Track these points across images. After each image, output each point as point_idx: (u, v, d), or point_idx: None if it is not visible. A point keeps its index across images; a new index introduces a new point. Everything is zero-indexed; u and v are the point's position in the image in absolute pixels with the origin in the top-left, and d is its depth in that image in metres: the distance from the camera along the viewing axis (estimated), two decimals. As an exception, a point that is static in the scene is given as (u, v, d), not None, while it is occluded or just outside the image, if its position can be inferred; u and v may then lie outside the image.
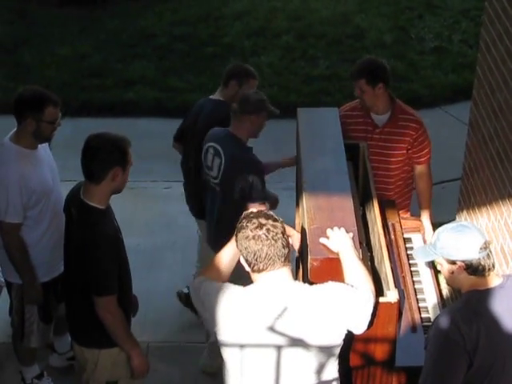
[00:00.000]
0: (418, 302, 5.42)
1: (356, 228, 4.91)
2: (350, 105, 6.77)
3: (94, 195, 5.15)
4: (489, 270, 4.39)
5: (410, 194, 6.81)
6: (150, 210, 6.82)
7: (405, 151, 6.53)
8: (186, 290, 7.04)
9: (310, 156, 5.69)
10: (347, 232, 4.71)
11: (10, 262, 5.95)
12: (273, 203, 6.49)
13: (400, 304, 4.83)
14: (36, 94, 5.96)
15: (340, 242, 4.64)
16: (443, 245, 4.42)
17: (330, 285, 4.45)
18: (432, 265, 5.83)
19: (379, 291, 4.70)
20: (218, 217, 6.41)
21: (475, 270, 4.38)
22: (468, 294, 4.48)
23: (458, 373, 4.35)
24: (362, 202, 5.79)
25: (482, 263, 4.36)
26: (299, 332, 4.35)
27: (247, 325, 4.38)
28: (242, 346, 4.40)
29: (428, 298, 5.54)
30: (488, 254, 4.37)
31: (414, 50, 12.26)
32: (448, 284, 5.09)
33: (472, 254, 4.34)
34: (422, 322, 5.37)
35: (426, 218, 6.60)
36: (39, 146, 6.02)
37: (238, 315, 4.40)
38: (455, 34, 12.63)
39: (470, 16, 12.70)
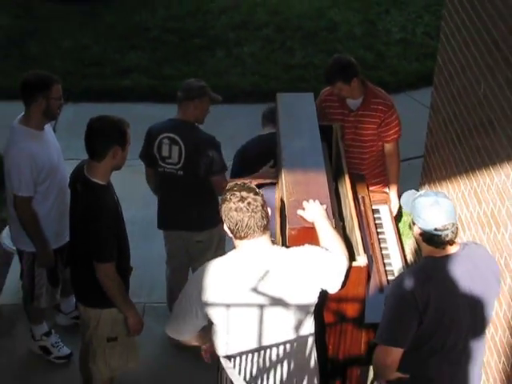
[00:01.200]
0: (384, 266, 5.45)
1: (329, 200, 4.92)
2: (328, 90, 6.75)
3: (96, 172, 5.17)
4: (443, 243, 4.41)
5: (384, 171, 6.81)
6: (145, 186, 6.80)
7: (375, 131, 6.55)
8: None
9: (288, 136, 5.69)
10: (321, 204, 4.74)
11: (24, 231, 5.96)
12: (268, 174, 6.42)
13: (369, 268, 4.88)
14: (41, 75, 6.02)
15: (315, 212, 4.67)
16: (415, 208, 4.46)
17: (307, 248, 4.48)
18: (398, 232, 5.89)
19: (350, 257, 4.73)
20: (184, 200, 6.40)
21: (429, 240, 4.43)
22: (425, 259, 4.54)
23: (409, 330, 4.41)
24: (334, 178, 5.81)
25: (436, 239, 4.39)
26: (279, 292, 4.37)
27: (232, 287, 4.39)
28: (227, 306, 4.40)
29: (393, 262, 5.57)
30: (447, 234, 4.36)
31: (381, 42, 12.22)
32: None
33: (428, 227, 4.37)
34: (388, 283, 5.40)
35: (392, 191, 6.63)
36: (45, 128, 6.02)
37: (223, 278, 4.42)
38: (418, 27, 12.59)
39: (431, 11, 12.68)
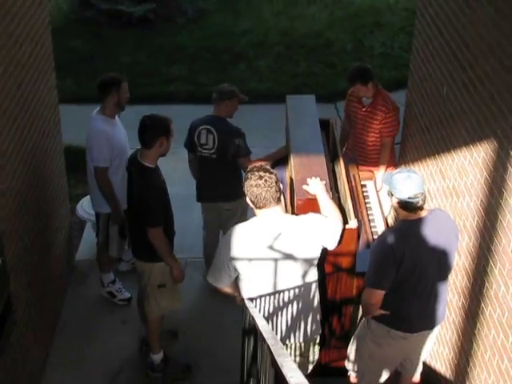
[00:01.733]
0: (370, 228, 5.41)
1: (327, 177, 4.98)
2: (352, 89, 6.75)
3: (147, 157, 5.19)
4: (415, 209, 4.44)
5: (378, 157, 6.70)
6: (185, 168, 6.80)
7: (378, 126, 6.55)
8: None
9: (295, 128, 5.71)
10: (321, 180, 4.75)
11: (102, 195, 6.04)
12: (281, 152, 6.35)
13: (358, 229, 4.93)
14: (113, 75, 6.16)
15: (316, 187, 4.71)
16: (392, 182, 4.46)
17: (311, 215, 4.52)
18: (379, 201, 5.86)
19: (344, 221, 4.74)
20: (217, 177, 6.40)
21: (404, 207, 4.45)
22: (401, 222, 4.56)
23: (390, 275, 4.44)
24: (332, 160, 5.79)
25: (408, 206, 4.42)
26: (290, 248, 4.41)
27: (252, 245, 4.43)
28: (249, 260, 4.44)
29: (377, 225, 5.53)
30: (418, 201, 4.39)
31: (367, 55, 12.15)
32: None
33: (403, 196, 4.39)
34: (373, 241, 5.38)
35: (379, 171, 6.56)
36: (116, 118, 6.14)
37: (246, 238, 4.44)
38: (395, 43, 12.52)
39: (405, 31, 12.57)
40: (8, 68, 4.96)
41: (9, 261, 4.85)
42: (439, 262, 4.54)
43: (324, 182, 4.79)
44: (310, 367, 4.94)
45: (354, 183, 5.94)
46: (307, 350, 4.83)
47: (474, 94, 4.84)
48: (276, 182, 4.33)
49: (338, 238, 4.57)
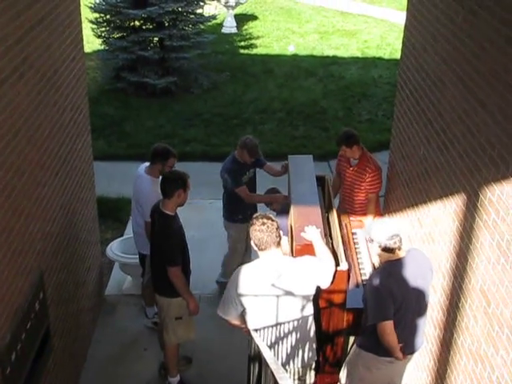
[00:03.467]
0: (359, 270, 5.43)
1: (322, 225, 4.97)
2: (341, 151, 6.73)
3: (167, 206, 5.22)
4: (394, 250, 4.49)
5: (365, 209, 6.61)
6: (200, 216, 6.87)
7: (363, 184, 6.49)
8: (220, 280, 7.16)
9: (296, 184, 5.76)
10: (317, 228, 4.77)
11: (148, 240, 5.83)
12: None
13: (349, 271, 4.92)
14: (164, 149, 6.07)
15: (313, 234, 4.71)
16: (371, 231, 4.54)
17: (307, 257, 4.53)
18: (367, 247, 5.86)
19: (336, 263, 4.73)
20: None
21: (384, 249, 4.50)
22: (385, 263, 4.58)
23: (390, 305, 4.45)
24: (326, 211, 5.82)
25: (388, 248, 4.48)
26: (288, 286, 4.40)
27: (256, 283, 4.42)
28: (254, 297, 4.44)
29: (365, 267, 5.55)
30: (395, 242, 4.46)
31: (355, 121, 12.24)
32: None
33: (382, 240, 4.46)
34: (362, 281, 5.38)
35: (367, 220, 6.55)
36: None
37: (250, 277, 4.45)
38: (379, 111, 12.63)
39: (388, 100, 12.72)
40: (52, 131, 5.06)
41: (48, 295, 4.87)
42: (418, 296, 4.57)
43: (319, 229, 4.81)
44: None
45: (345, 231, 5.97)
46: (304, 374, 4.80)
47: (447, 154, 4.91)
48: (277, 229, 4.36)
49: (330, 278, 4.56)
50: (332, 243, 5.31)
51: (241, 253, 6.94)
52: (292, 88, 13.73)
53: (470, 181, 4.38)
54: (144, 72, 13.13)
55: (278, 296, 4.41)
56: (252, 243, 4.43)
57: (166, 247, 5.18)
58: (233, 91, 13.61)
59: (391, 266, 4.52)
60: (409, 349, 4.72)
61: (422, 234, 5.49)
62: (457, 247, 4.60)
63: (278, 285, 4.38)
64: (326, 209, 5.83)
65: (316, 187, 5.74)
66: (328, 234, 5.31)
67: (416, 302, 4.56)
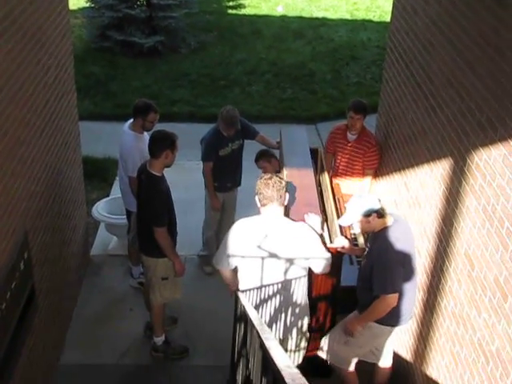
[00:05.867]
0: (353, 245, 5.41)
1: (317, 201, 4.89)
2: (337, 126, 6.66)
3: (154, 167, 5.16)
4: (386, 213, 4.44)
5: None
6: (187, 177, 6.81)
7: (361, 159, 6.40)
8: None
9: (289, 156, 5.69)
10: (318, 217, 4.69)
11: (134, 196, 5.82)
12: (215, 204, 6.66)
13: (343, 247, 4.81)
14: (144, 104, 6.05)
15: (314, 223, 4.61)
16: (363, 206, 4.37)
17: (308, 230, 4.39)
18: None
19: (331, 238, 4.68)
20: None
21: (381, 215, 4.40)
22: (383, 230, 4.44)
23: (400, 276, 4.40)
24: (319, 184, 5.77)
25: (382, 211, 4.41)
26: (274, 249, 4.31)
27: (244, 243, 4.35)
28: (242, 257, 4.38)
29: (359, 241, 5.54)
30: (383, 205, 4.42)
31: (343, 83, 12.19)
32: (363, 232, 5.09)
33: (375, 206, 4.38)
34: (356, 257, 5.36)
35: (360, 190, 6.52)
36: (144, 133, 6.06)
37: (239, 237, 4.38)
38: (368, 74, 12.57)
39: (376, 63, 12.66)
40: (36, 89, 4.96)
41: (33, 255, 4.84)
42: (414, 259, 4.53)
43: (319, 218, 4.70)
44: (302, 354, 4.81)
45: (339, 205, 5.91)
46: (298, 342, 4.71)
47: (435, 118, 4.88)
48: (283, 188, 4.23)
49: (325, 267, 4.44)
50: (326, 218, 5.28)
51: (215, 220, 6.87)
52: (280, 49, 13.61)
53: (457, 145, 4.37)
54: (131, 31, 12.95)
55: (262, 258, 4.33)
56: (256, 199, 4.30)
57: (153, 208, 5.14)
58: (220, 52, 13.46)
59: (391, 231, 4.41)
60: (410, 315, 4.69)
61: (408, 198, 5.49)
62: (443, 211, 4.60)
63: (263, 246, 4.31)
64: (319, 183, 5.78)
65: (310, 159, 5.69)
66: (322, 210, 5.27)
67: (414, 266, 4.53)
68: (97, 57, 12.95)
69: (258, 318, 3.74)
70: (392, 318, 4.56)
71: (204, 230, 7.00)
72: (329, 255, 4.45)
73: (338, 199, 6.12)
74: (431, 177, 4.88)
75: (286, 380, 2.00)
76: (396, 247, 4.35)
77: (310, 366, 4.97)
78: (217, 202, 6.65)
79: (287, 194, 4.31)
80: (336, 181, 6.53)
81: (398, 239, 4.38)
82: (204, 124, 7.03)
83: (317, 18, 15.69)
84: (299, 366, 4.74)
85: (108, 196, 8.11)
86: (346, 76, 12.55)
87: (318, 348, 5.09)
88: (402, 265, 4.37)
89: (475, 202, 4.01)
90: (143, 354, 5.91)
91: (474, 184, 4.04)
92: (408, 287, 4.48)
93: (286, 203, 4.36)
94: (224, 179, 6.63)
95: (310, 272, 4.74)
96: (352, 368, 4.98)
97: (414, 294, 4.63)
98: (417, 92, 5.37)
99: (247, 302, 4.34)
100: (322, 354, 5.03)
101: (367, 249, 4.61)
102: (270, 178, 4.23)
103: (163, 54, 13.09)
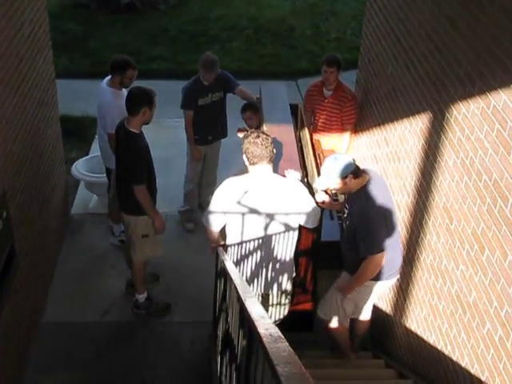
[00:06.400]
0: (333, 201, 5.41)
1: (297, 156, 4.87)
2: (313, 83, 6.64)
3: (132, 124, 5.10)
4: (362, 171, 4.37)
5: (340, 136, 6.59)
6: (167, 135, 6.76)
7: (339, 114, 6.38)
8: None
9: (269, 112, 5.65)
10: (298, 172, 4.68)
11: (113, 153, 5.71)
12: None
13: (323, 202, 4.79)
14: (122, 60, 5.98)
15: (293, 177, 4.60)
16: (336, 170, 4.27)
17: (299, 186, 4.37)
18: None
19: (312, 194, 4.65)
20: None
21: (356, 174, 4.31)
22: (361, 189, 4.36)
23: (384, 234, 4.33)
24: (299, 140, 5.74)
25: (358, 170, 4.32)
26: (254, 204, 4.29)
27: (242, 197, 4.28)
28: (224, 213, 4.35)
29: (339, 197, 5.53)
30: (358, 166, 4.35)
31: (324, 39, 12.10)
32: (340, 193, 5.05)
33: (350, 168, 4.27)
34: (336, 212, 5.35)
35: (339, 149, 6.53)
36: (123, 90, 5.94)
37: (236, 191, 4.30)
38: (348, 30, 12.46)
39: (357, 19, 12.49)
40: (9, 46, 4.85)
41: (12, 214, 4.80)
42: (395, 213, 4.51)
43: (299, 173, 4.68)
44: (285, 308, 4.79)
45: (319, 161, 5.87)
46: (282, 294, 4.69)
47: (414, 73, 4.85)
48: (271, 144, 4.17)
49: (316, 221, 4.44)
50: (306, 174, 5.25)
51: (196, 173, 6.83)
52: (260, 5, 13.43)
53: (436, 100, 4.35)
54: (107, -14, 12.69)
55: (244, 213, 4.29)
56: (244, 157, 4.23)
57: (132, 165, 5.10)
58: (199, 8, 13.26)
59: (369, 190, 4.33)
60: (397, 269, 4.67)
61: (388, 153, 5.50)
62: (422, 165, 4.61)
63: (250, 202, 4.26)
64: (299, 137, 5.75)
65: (290, 115, 5.65)
66: (302, 166, 5.24)
67: (395, 221, 4.50)
68: (73, 13, 12.70)
69: (237, 273, 3.75)
70: (380, 274, 4.51)
71: (185, 183, 6.95)
72: (319, 209, 4.42)
73: (319, 155, 6.10)
74: (410, 131, 4.88)
75: (260, 330, 2.01)
76: (376, 206, 4.30)
77: (292, 320, 5.02)
78: (197, 152, 6.62)
79: (275, 150, 4.26)
80: (316, 137, 6.51)
81: (377, 197, 4.32)
82: (184, 81, 6.90)
83: (298, -27, 15.48)
84: (283, 320, 4.79)
85: (87, 154, 8.03)
86: (326, 31, 12.43)
87: (299, 302, 5.14)
88: (385, 222, 4.34)
89: (454, 155, 4.02)
90: (125, 311, 5.94)
91: (453, 138, 4.04)
92: (393, 242, 4.44)
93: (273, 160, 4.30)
94: (205, 132, 6.57)
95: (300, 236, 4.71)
96: (347, 324, 4.97)
97: (399, 248, 4.63)
98: (396, 46, 5.33)
99: (227, 257, 4.34)
100: (321, 314, 4.96)
101: (346, 210, 4.56)
102: (258, 137, 4.15)
103: (141, 11, 12.87)
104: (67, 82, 9.22)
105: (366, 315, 5.09)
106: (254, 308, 2.34)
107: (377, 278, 4.54)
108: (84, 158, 7.43)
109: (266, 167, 4.22)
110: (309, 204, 4.35)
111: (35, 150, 5.65)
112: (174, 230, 6.76)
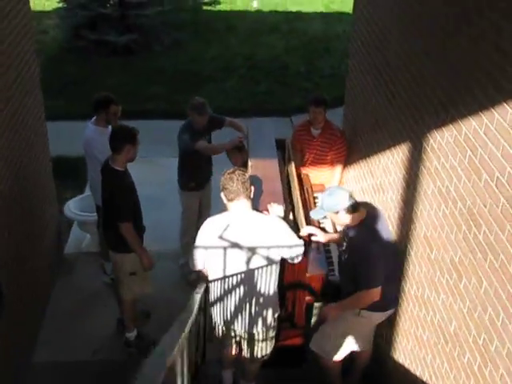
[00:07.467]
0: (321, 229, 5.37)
1: (281, 189, 4.85)
2: (300, 124, 6.62)
3: (116, 162, 5.10)
4: (358, 206, 4.34)
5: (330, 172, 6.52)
6: (161, 174, 6.75)
7: (329, 152, 6.34)
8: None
9: (255, 148, 5.67)
10: (277, 203, 4.64)
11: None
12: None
13: (309, 236, 4.77)
14: (104, 97, 6.04)
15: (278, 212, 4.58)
16: (328, 205, 4.29)
17: (278, 222, 4.31)
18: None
19: (297, 229, 4.63)
20: None
21: (352, 210, 4.27)
22: (360, 224, 4.33)
23: (382, 269, 4.29)
24: (287, 175, 5.73)
25: (355, 206, 4.28)
26: (235, 238, 4.24)
27: (221, 235, 4.24)
28: (205, 249, 4.32)
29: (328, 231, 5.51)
30: (355, 199, 4.31)
31: (317, 76, 12.19)
32: (337, 225, 5.02)
33: (346, 203, 4.24)
34: (323, 246, 5.32)
35: (330, 184, 6.47)
36: (108, 127, 5.93)
37: (216, 229, 4.27)
38: (342, 66, 12.44)
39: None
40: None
41: (1, 253, 4.79)
42: (393, 246, 4.49)
43: (283, 207, 4.65)
44: (270, 344, 4.69)
45: (307, 195, 5.84)
46: (267, 329, 4.59)
47: (395, 104, 4.88)
48: (248, 179, 4.15)
49: (299, 255, 4.33)
50: (293, 208, 5.21)
51: (192, 222, 6.67)
52: (254, 44, 13.60)
53: (414, 129, 4.37)
54: (104, 30, 12.88)
55: (224, 248, 4.24)
56: (222, 195, 4.20)
57: (117, 203, 5.09)
58: (194, 48, 13.43)
59: (368, 225, 4.29)
60: (394, 301, 4.63)
61: (373, 185, 5.49)
62: (404, 196, 4.61)
63: (224, 236, 4.23)
64: (287, 172, 5.73)
65: (275, 152, 5.65)
66: (288, 200, 5.22)
67: (394, 253, 4.47)
68: (72, 57, 12.89)
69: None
70: (377, 305, 4.44)
71: (180, 236, 6.81)
72: (302, 242, 4.37)
73: (307, 189, 6.08)
74: (393, 162, 4.88)
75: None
76: (375, 240, 4.28)
77: (281, 356, 4.95)
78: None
79: (252, 188, 4.23)
80: (305, 171, 6.50)
81: (376, 231, 4.30)
82: (179, 120, 6.92)
83: (291, 12, 15.72)
84: (270, 356, 4.72)
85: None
86: (320, 68, 12.54)
87: (288, 338, 5.06)
88: (384, 257, 4.29)
89: (432, 184, 4.01)
90: (116, 350, 5.87)
91: (430, 167, 4.04)
92: (391, 275, 4.41)
93: (252, 196, 4.26)
94: (201, 176, 6.54)
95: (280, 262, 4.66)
96: (338, 358, 4.86)
97: (395, 280, 4.55)
98: (378, 79, 5.37)
99: (197, 294, 4.28)
100: (313, 347, 4.89)
101: (345, 243, 4.52)
102: (233, 172, 4.14)
103: (137, 52, 13.06)
104: (66, 123, 9.35)
105: (365, 347, 4.96)
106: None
107: (374, 308, 4.50)
108: (76, 198, 7.43)
109: (243, 203, 4.18)
110: (289, 238, 4.29)
111: (24, 189, 5.66)
112: (166, 268, 6.71)
